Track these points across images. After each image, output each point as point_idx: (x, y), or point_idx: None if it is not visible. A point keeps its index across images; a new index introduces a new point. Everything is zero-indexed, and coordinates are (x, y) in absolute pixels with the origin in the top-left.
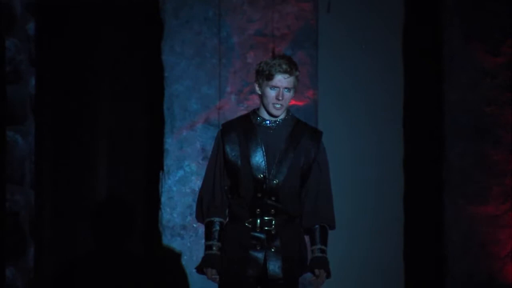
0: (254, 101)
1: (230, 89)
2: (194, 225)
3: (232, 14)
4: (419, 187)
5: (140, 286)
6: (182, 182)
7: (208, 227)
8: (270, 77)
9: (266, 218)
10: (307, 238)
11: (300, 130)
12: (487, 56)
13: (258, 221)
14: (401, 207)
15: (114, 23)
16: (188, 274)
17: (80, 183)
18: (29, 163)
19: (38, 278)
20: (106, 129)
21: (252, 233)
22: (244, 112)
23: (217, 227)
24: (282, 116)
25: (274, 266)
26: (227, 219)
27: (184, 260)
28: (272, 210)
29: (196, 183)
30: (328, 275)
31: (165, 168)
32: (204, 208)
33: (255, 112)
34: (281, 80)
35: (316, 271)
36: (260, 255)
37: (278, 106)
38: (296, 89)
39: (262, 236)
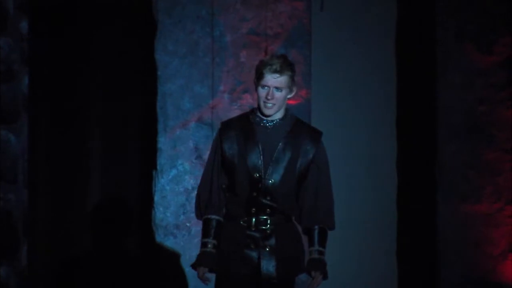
0: (248, 100)
1: (223, 88)
2: (187, 224)
3: (225, 13)
4: (412, 186)
5: (133, 284)
6: (175, 181)
7: (205, 225)
8: (261, 76)
9: (261, 217)
10: (306, 238)
11: (299, 130)
12: (480, 55)
13: (253, 220)
14: (394, 206)
15: (107, 22)
16: (181, 273)
17: (73, 182)
18: (22, 162)
19: (31, 277)
20: (99, 128)
21: (247, 232)
22: (237, 111)
23: (214, 225)
24: (280, 116)
25: (268, 266)
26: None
27: (177, 259)
28: (268, 210)
29: (190, 182)
30: (325, 277)
31: (158, 167)
32: (202, 205)
33: (253, 111)
34: (270, 79)
35: (312, 272)
36: (254, 254)
37: (269, 105)
38: (291, 89)
39: (257, 235)
